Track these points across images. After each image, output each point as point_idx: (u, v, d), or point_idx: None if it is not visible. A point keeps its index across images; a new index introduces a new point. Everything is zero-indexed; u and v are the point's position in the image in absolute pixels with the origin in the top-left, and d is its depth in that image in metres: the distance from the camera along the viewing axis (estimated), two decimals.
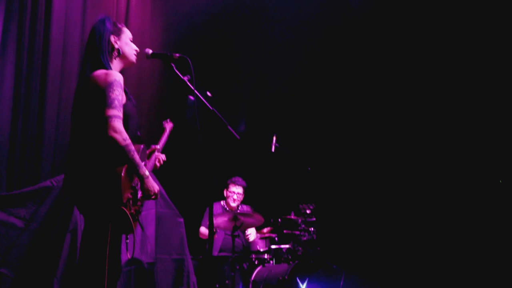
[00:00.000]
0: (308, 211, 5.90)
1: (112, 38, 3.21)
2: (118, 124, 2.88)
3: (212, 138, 3.58)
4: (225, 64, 7.20)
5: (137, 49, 3.34)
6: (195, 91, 3.34)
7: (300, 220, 5.88)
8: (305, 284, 5.43)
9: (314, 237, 5.80)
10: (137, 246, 4.61)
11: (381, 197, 7.15)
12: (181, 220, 5.15)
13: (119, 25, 3.33)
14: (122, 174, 2.90)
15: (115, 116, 2.89)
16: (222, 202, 6.33)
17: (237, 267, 5.56)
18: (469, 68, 6.57)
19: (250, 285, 5.56)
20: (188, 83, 3.36)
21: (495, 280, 5.78)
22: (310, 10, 7.18)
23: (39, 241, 4.12)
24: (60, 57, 5.14)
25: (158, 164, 3.71)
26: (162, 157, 3.74)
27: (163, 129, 4.17)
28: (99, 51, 3.14)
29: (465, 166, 6.58)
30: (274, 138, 5.95)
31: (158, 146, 3.78)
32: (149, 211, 4.81)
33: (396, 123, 7.23)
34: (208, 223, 5.25)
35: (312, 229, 5.83)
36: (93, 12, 5.46)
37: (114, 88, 3.00)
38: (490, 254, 6.05)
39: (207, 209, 6.02)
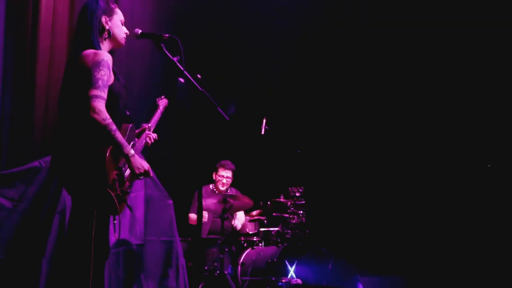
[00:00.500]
0: (297, 194, 5.96)
1: (104, 19, 3.19)
2: (99, 104, 2.88)
3: (202, 120, 3.59)
4: (216, 46, 7.18)
5: (127, 32, 3.35)
6: (185, 72, 3.33)
7: (289, 203, 5.92)
8: (293, 267, 5.55)
9: (303, 220, 5.87)
10: (126, 227, 4.64)
11: (370, 179, 7.19)
12: (171, 202, 5.16)
13: (112, 5, 3.32)
14: (107, 155, 2.91)
15: (97, 96, 2.89)
16: (211, 186, 6.36)
17: (226, 249, 5.64)
18: (468, 67, 6.54)
19: (239, 268, 5.64)
20: (178, 64, 3.35)
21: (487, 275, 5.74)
22: None
23: (27, 222, 4.13)
24: (49, 36, 5.10)
25: (149, 142, 3.71)
26: (153, 135, 3.74)
27: (155, 107, 4.14)
28: (90, 30, 3.12)
29: (453, 154, 6.58)
30: (264, 121, 5.99)
31: (149, 125, 3.77)
32: (138, 192, 4.83)
33: (387, 105, 7.24)
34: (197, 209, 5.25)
35: (301, 212, 5.88)
36: None
37: (101, 68, 3.00)
38: (482, 245, 6.04)
39: (196, 195, 6.11)
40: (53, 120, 4.90)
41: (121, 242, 4.53)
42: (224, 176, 6.25)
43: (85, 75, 2.95)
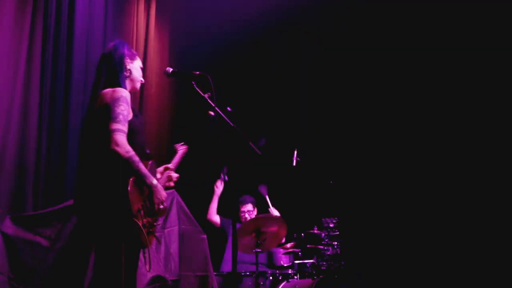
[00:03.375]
0: (331, 225, 5.86)
1: (127, 60, 3.32)
2: (120, 137, 2.92)
3: (233, 154, 3.61)
4: (243, 80, 7.28)
5: (143, 80, 3.48)
6: (216, 108, 3.39)
7: (323, 234, 5.84)
8: None
9: (338, 251, 5.74)
10: (161, 263, 4.66)
11: (404, 208, 7.12)
12: (204, 236, 5.14)
13: (134, 51, 3.47)
14: (129, 185, 2.93)
15: (118, 130, 2.93)
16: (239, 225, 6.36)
17: (261, 283, 5.52)
18: (469, 68, 6.65)
19: None
20: (209, 100, 3.40)
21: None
22: None
23: (64, 260, 4.16)
24: (83, 76, 5.28)
25: (172, 183, 3.74)
26: (176, 175, 3.77)
27: (174, 152, 4.16)
28: (117, 69, 3.25)
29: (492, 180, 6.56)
30: (295, 152, 5.96)
31: (171, 165, 3.80)
32: (172, 228, 4.87)
33: (416, 135, 7.25)
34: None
35: (336, 243, 5.77)
36: (113, 34, 5.62)
37: (120, 103, 3.06)
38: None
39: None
40: None
41: (156, 278, 4.51)
42: (245, 210, 6.29)
43: (105, 111, 3.00)
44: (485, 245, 6.39)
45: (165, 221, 4.78)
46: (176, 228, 4.88)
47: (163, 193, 3.11)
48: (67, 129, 5.05)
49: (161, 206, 3.11)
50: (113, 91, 3.11)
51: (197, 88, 3.42)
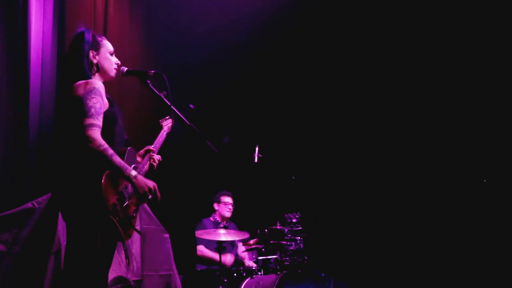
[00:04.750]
0: (294, 220, 5.93)
1: (91, 54, 3.25)
2: (93, 132, 2.91)
3: (193, 153, 3.60)
4: (206, 76, 7.24)
5: (118, 62, 3.39)
6: (172, 106, 3.42)
7: (286, 230, 5.90)
8: None
9: (301, 246, 5.81)
10: (123, 264, 4.63)
11: (366, 203, 7.22)
12: (167, 235, 5.20)
13: (99, 38, 3.37)
14: (102, 180, 2.91)
15: (91, 125, 2.93)
16: (211, 218, 6.47)
17: (225, 280, 5.59)
18: (455, 66, 6.60)
19: None
20: (165, 99, 3.43)
21: None
22: None
23: (22, 265, 4.08)
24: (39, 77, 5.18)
25: (154, 164, 3.70)
26: (157, 157, 3.74)
27: (159, 129, 4.05)
28: (80, 67, 3.18)
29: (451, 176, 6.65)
30: (257, 149, 5.99)
31: (151, 147, 3.76)
32: None
33: (379, 130, 7.31)
34: (202, 241, 6.06)
35: (299, 238, 5.84)
36: (71, 23, 5.52)
37: (92, 96, 3.03)
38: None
39: (198, 226, 6.31)
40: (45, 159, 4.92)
41: (118, 279, 4.48)
42: (228, 202, 6.41)
43: (78, 105, 2.98)
44: (445, 233, 6.50)
45: (137, 209, 4.81)
46: (137, 228, 4.86)
47: (145, 183, 3.06)
48: (27, 131, 4.95)
49: (150, 196, 3.06)
50: (86, 83, 3.08)
51: (152, 87, 3.42)
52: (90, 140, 2.91)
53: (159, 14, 6.62)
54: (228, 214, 6.41)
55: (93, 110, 2.97)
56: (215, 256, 5.82)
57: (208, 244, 6.17)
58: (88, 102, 3.01)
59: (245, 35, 7.06)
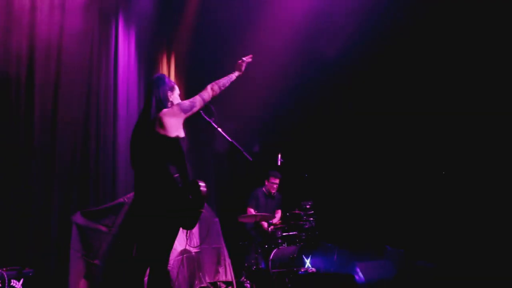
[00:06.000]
0: (307, 206, 6.41)
1: (169, 93, 3.57)
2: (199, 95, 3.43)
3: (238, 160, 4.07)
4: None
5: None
6: (219, 129, 3.83)
7: (302, 213, 6.39)
8: (309, 260, 5.87)
9: (314, 225, 6.27)
10: (185, 241, 4.65)
11: (365, 191, 7.50)
12: (217, 220, 5.92)
13: (172, 82, 3.65)
14: (178, 181, 3.28)
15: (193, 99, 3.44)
16: (263, 188, 7.05)
17: (259, 250, 6.09)
18: (450, 65, 6.49)
19: (270, 263, 5.99)
20: (213, 124, 3.83)
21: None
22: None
23: (117, 241, 4.76)
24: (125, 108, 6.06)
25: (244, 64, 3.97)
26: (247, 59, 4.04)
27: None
28: (162, 102, 3.47)
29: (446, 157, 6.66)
30: (279, 155, 6.30)
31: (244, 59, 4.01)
32: None
33: (379, 130, 7.47)
34: (253, 206, 6.58)
35: (311, 219, 6.33)
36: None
37: (184, 101, 3.47)
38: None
39: (252, 193, 6.99)
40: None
41: (183, 251, 5.13)
42: (275, 182, 6.95)
43: (173, 122, 3.33)
44: (441, 218, 6.50)
45: None
46: None
47: None
48: (117, 149, 5.79)
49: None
50: (172, 104, 3.47)
51: (203, 114, 3.79)
52: (207, 89, 3.50)
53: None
54: (273, 191, 6.93)
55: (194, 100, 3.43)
56: (259, 215, 6.17)
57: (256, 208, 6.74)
58: (185, 101, 3.43)
59: None
